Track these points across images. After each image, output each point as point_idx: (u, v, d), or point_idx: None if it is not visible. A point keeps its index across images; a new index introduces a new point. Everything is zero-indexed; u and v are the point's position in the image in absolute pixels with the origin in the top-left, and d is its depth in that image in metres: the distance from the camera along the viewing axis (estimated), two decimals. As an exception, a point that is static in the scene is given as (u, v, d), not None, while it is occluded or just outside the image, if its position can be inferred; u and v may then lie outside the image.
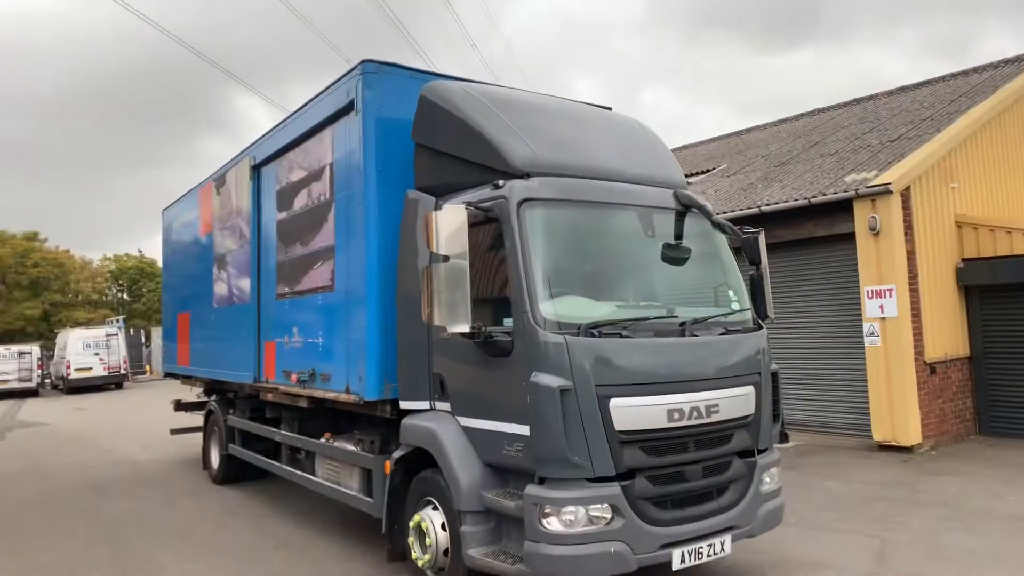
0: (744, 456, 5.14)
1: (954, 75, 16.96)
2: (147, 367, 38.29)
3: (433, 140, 5.57)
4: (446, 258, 4.57)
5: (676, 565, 4.61)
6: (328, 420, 7.39)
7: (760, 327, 5.56)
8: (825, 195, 10.68)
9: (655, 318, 4.95)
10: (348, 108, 6.20)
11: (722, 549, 4.87)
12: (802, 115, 19.29)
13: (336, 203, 6.50)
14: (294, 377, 7.14)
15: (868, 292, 10.29)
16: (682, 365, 4.89)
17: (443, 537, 5.11)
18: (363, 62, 5.96)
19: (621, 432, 4.49)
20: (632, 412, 4.55)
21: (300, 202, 7.23)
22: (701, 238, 5.55)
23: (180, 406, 12.49)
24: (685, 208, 5.47)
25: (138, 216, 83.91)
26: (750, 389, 5.18)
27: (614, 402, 4.48)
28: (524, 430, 4.52)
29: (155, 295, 52.23)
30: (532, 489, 4.44)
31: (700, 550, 4.73)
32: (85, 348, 30.04)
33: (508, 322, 4.71)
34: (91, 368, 30.11)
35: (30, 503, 9.10)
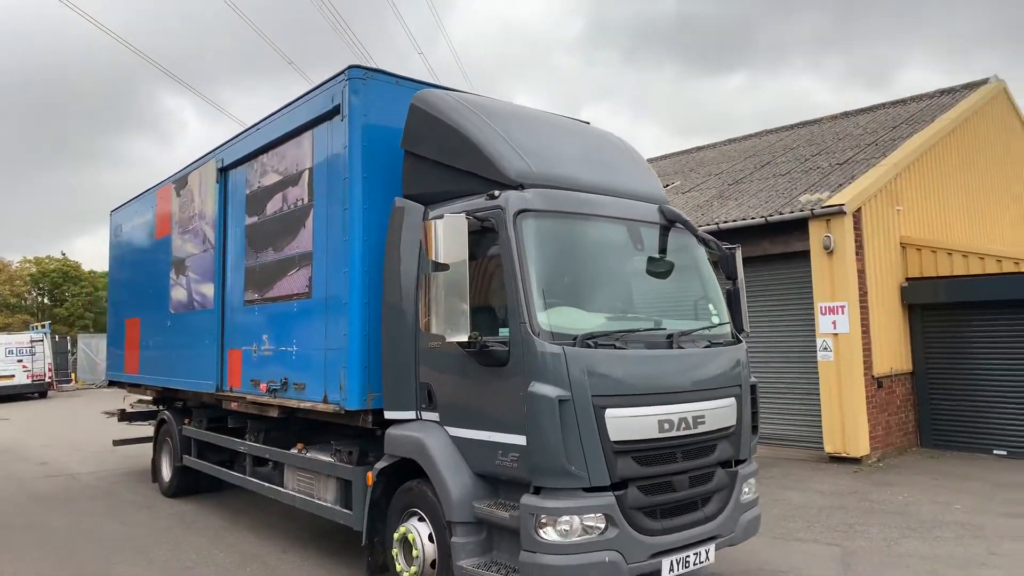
0: (725, 466, 5.25)
1: (894, 103, 17.81)
2: (72, 375, 36.59)
3: (424, 148, 5.54)
4: (445, 267, 4.54)
5: (665, 574, 4.67)
6: (297, 431, 7.24)
7: (739, 340, 5.70)
8: (782, 214, 11.06)
9: (646, 330, 5.03)
10: (332, 113, 6.11)
11: (707, 558, 4.96)
12: (750, 136, 19.96)
13: (315, 208, 6.39)
14: (263, 386, 6.95)
15: (821, 308, 10.67)
16: (671, 377, 4.97)
17: (430, 549, 5.05)
18: (350, 68, 5.90)
19: (616, 442, 4.53)
20: (626, 423, 4.59)
21: (274, 206, 7.07)
22: (684, 252, 5.67)
23: (125, 416, 12.03)
24: (670, 223, 5.58)
25: (60, 217, 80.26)
26: (732, 401, 5.30)
27: (609, 412, 4.52)
28: (520, 440, 4.51)
29: (79, 300, 50.04)
30: (528, 499, 4.43)
31: (687, 559, 4.80)
32: (7, 355, 28.50)
33: (503, 332, 4.71)
34: (13, 376, 28.58)
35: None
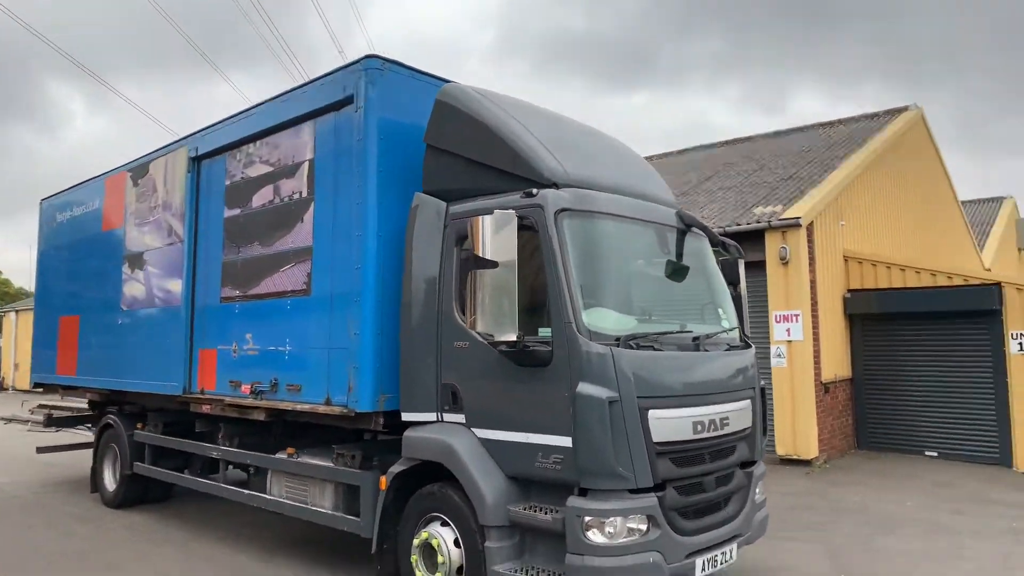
0: (743, 467, 5.35)
1: (823, 125, 18.85)
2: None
3: (450, 143, 5.40)
4: (493, 264, 4.43)
5: (698, 574, 4.71)
6: (279, 435, 6.90)
7: (749, 345, 5.83)
8: (739, 225, 11.45)
9: (678, 332, 5.07)
10: (342, 103, 5.88)
11: (732, 556, 5.04)
12: (685, 151, 20.68)
13: (317, 202, 6.12)
14: (246, 388, 6.58)
15: (776, 316, 11.10)
16: (701, 378, 5.04)
17: (456, 555, 4.90)
18: (367, 57, 5.69)
19: (657, 443, 4.54)
20: (667, 424, 4.62)
21: (262, 199, 6.72)
22: (698, 256, 5.75)
23: (52, 421, 11.16)
24: (687, 227, 5.66)
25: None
26: (748, 403, 5.43)
27: (652, 414, 4.53)
28: (564, 441, 4.45)
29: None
30: (575, 501, 4.37)
31: (715, 558, 4.87)
32: None
33: (542, 332, 4.64)
34: None
35: None
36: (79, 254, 9.82)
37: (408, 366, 5.36)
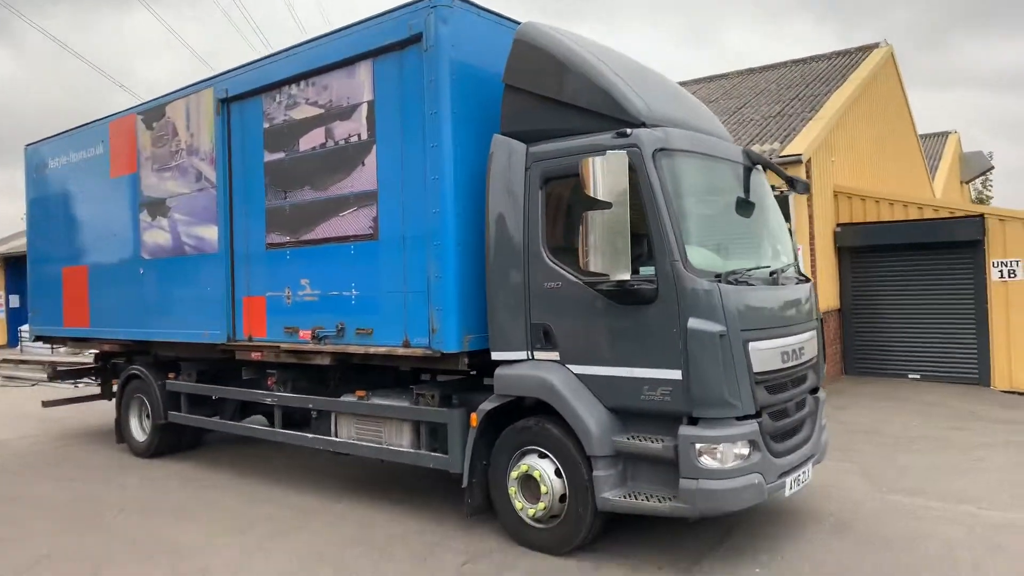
0: (812, 393, 5.69)
1: (795, 62, 19.13)
2: None
3: (531, 83, 5.38)
4: (607, 204, 4.52)
5: (787, 492, 5.05)
6: (338, 378, 6.96)
7: (808, 279, 6.10)
8: (742, 162, 11.68)
9: (763, 267, 5.29)
10: (406, 42, 5.76)
11: (808, 476, 5.40)
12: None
13: (379, 145, 6.04)
14: (306, 333, 6.57)
15: (778, 251, 11.50)
16: (783, 310, 5.31)
17: (558, 484, 5.12)
18: (436, -7, 5.56)
19: (756, 373, 4.79)
20: (763, 354, 4.87)
21: (311, 142, 6.58)
22: (764, 192, 5.94)
23: (57, 374, 10.91)
24: (753, 164, 5.82)
25: None
26: (814, 333, 5.73)
27: (752, 345, 4.77)
28: (673, 374, 4.66)
29: None
30: (687, 430, 4.61)
31: (799, 478, 5.21)
32: None
33: (644, 270, 4.78)
34: None
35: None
36: (83, 202, 9.42)
37: (496, 307, 5.45)
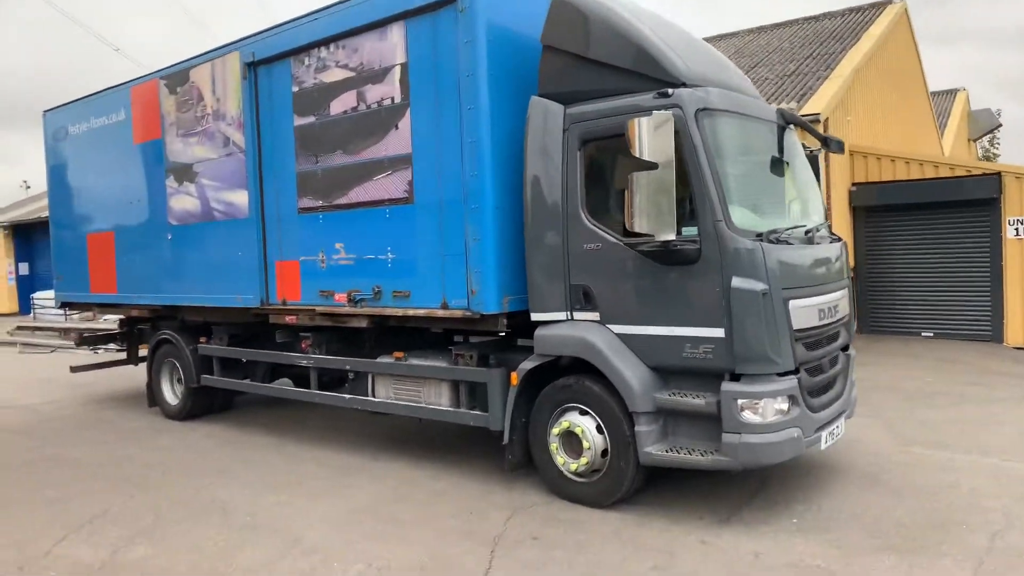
0: (843, 351, 5.81)
1: (806, 19, 18.92)
2: None
3: (569, 44, 5.39)
4: (653, 165, 4.58)
5: (823, 446, 5.21)
6: (373, 341, 7.10)
7: (839, 237, 6.18)
8: (760, 122, 11.64)
9: (799, 226, 5.37)
10: (441, 3, 5.75)
11: (842, 430, 5.55)
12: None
13: (413, 108, 6.06)
14: (342, 296, 6.67)
15: (795, 211, 11.53)
16: (819, 269, 5.39)
17: (599, 440, 5.26)
18: (473, -46, 5.54)
19: (796, 330, 4.90)
20: (802, 312, 4.98)
21: (341, 106, 6.59)
22: (796, 152, 5.98)
23: (85, 340, 11.05)
24: (787, 123, 5.85)
25: None
26: (846, 291, 5.83)
27: (792, 303, 4.87)
28: (716, 332, 4.77)
29: None
30: (729, 386, 4.74)
31: (833, 432, 5.36)
32: None
33: (687, 231, 4.85)
34: None
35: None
36: (106, 168, 9.43)
37: (535, 269, 5.53)
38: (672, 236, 4.64)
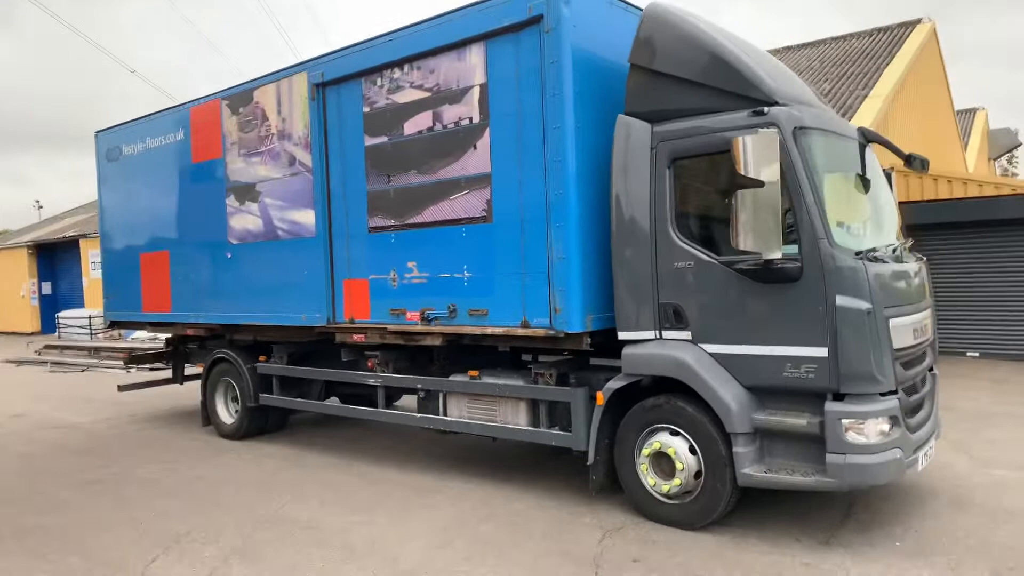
0: (930, 371, 5.76)
1: (835, 39, 19.03)
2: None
3: (658, 63, 5.41)
4: (759, 183, 4.58)
5: (920, 467, 5.15)
6: (443, 360, 7.10)
7: (922, 256, 6.15)
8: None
9: (889, 244, 5.36)
10: (524, 24, 5.79)
11: (933, 451, 5.49)
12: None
13: (492, 128, 6.09)
14: (414, 315, 6.67)
15: (841, 230, 11.52)
16: (910, 287, 5.37)
17: (692, 461, 5.22)
18: (557, -24, 5.59)
19: (895, 350, 4.87)
20: (900, 331, 4.95)
21: (417, 126, 6.63)
22: (878, 170, 5.98)
23: (133, 359, 11.10)
24: (868, 141, 5.85)
25: None
26: (930, 311, 5.79)
27: (892, 322, 4.84)
28: (819, 352, 4.73)
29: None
30: (834, 406, 4.69)
31: (927, 453, 5.30)
32: None
33: (786, 249, 4.82)
34: None
35: (35, 475, 7.65)
36: (161, 188, 9.50)
37: (622, 287, 5.52)
38: (779, 254, 4.62)
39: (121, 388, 10.66)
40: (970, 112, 31.76)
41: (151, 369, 13.85)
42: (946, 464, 6.73)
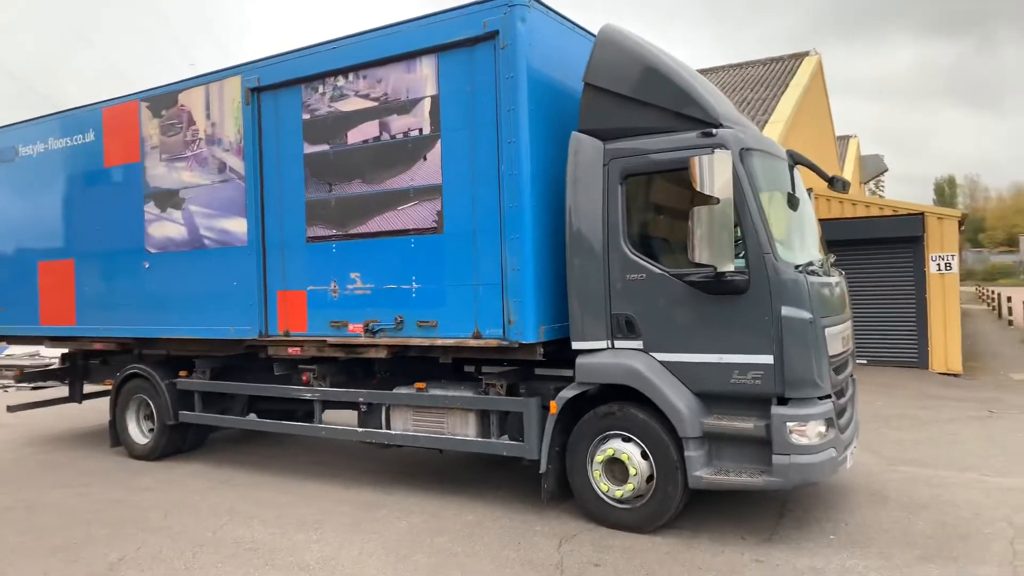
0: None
1: (732, 66, 20.19)
2: None
3: (612, 83, 5.61)
4: (714, 200, 4.83)
5: (848, 465, 5.55)
6: (383, 372, 7.03)
7: (842, 272, 6.65)
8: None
9: (818, 259, 5.77)
10: (480, 39, 5.87)
11: (856, 451, 5.93)
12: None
13: (444, 140, 6.11)
14: (356, 327, 6.56)
15: (748, 246, 12.23)
16: (837, 300, 5.81)
17: (644, 466, 5.41)
18: (515, -8, 5.71)
19: (830, 357, 5.25)
20: (833, 340, 5.35)
21: (360, 135, 6.56)
22: (803, 189, 6.41)
23: (26, 376, 10.26)
24: (796, 163, 6.28)
25: None
26: (849, 322, 6.28)
27: (827, 331, 5.23)
28: (765, 359, 5.04)
29: None
30: (780, 410, 5.01)
31: (852, 452, 5.73)
32: None
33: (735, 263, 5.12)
34: None
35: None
36: (67, 192, 8.88)
37: (576, 298, 5.67)
38: (731, 267, 4.90)
39: (11, 409, 9.82)
40: (845, 139, 34.44)
41: (32, 388, 12.87)
42: (859, 462, 7.26)
